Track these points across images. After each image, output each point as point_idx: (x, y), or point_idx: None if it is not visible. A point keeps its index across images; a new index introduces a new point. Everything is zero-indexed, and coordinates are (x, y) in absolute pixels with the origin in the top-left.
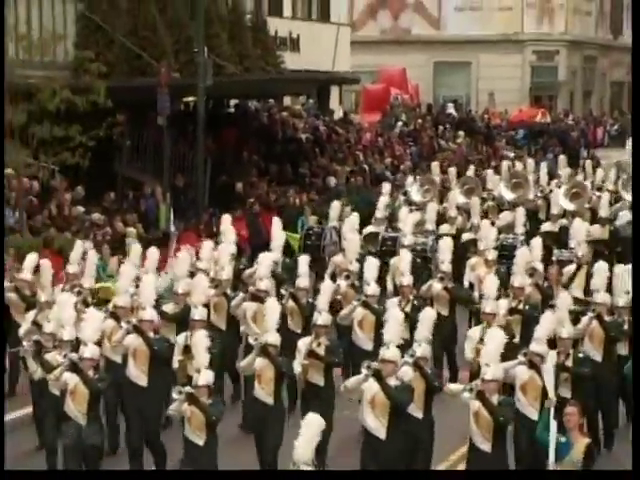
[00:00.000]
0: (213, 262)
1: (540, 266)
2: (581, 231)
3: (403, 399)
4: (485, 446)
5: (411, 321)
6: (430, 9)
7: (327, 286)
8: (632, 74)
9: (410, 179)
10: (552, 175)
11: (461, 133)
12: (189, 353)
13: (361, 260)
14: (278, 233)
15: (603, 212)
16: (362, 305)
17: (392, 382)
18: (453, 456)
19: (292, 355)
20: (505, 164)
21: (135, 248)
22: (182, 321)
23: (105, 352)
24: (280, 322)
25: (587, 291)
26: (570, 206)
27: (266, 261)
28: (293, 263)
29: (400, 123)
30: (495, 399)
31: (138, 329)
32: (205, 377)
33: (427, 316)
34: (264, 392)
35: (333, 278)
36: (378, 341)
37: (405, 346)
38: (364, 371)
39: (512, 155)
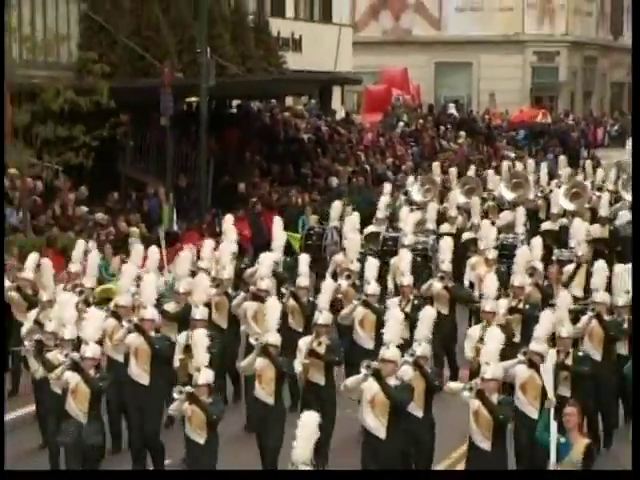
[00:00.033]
0: (214, 261)
1: (540, 265)
2: (581, 230)
3: (403, 398)
4: (485, 445)
5: (411, 321)
6: (431, 10)
7: (328, 285)
8: (632, 75)
9: (411, 179)
10: (552, 175)
11: (462, 133)
12: (190, 352)
13: (362, 260)
14: (279, 233)
15: (603, 212)
16: (362, 304)
17: (392, 382)
18: (453, 455)
19: (293, 354)
20: (505, 164)
21: (137, 248)
22: (183, 320)
23: (107, 351)
24: (281, 321)
25: (587, 290)
26: (570, 206)
27: (267, 261)
28: (294, 262)
29: (402, 123)
30: (495, 398)
31: (139, 328)
32: (205, 376)
33: (427, 315)
34: (265, 392)
35: (334, 277)
36: (379, 340)
37: (405, 345)
38: (363, 371)
39: (513, 155)
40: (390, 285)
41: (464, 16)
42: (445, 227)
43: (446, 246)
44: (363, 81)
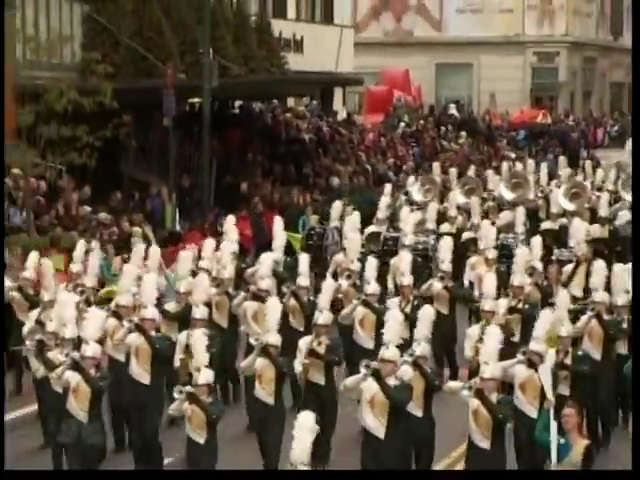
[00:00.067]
0: (215, 261)
1: (540, 265)
2: (580, 230)
3: (402, 398)
4: (484, 444)
5: (411, 321)
6: (432, 11)
7: (328, 285)
8: (632, 75)
9: (411, 179)
10: (552, 175)
11: (463, 134)
12: (191, 351)
13: (362, 259)
14: (279, 233)
15: (603, 212)
16: (362, 304)
17: (391, 381)
18: (453, 454)
19: (294, 354)
20: (505, 164)
21: (138, 248)
22: (184, 320)
23: (108, 351)
24: (282, 321)
25: (586, 290)
26: (570, 206)
27: (267, 260)
28: (294, 262)
29: (403, 124)
30: (494, 397)
31: (140, 328)
32: (205, 376)
33: (426, 315)
34: (265, 392)
35: (335, 277)
36: (379, 340)
37: (405, 345)
38: (363, 370)
39: (513, 155)
40: (390, 285)
41: (465, 17)
42: (445, 227)
43: (446, 246)
44: (364, 82)
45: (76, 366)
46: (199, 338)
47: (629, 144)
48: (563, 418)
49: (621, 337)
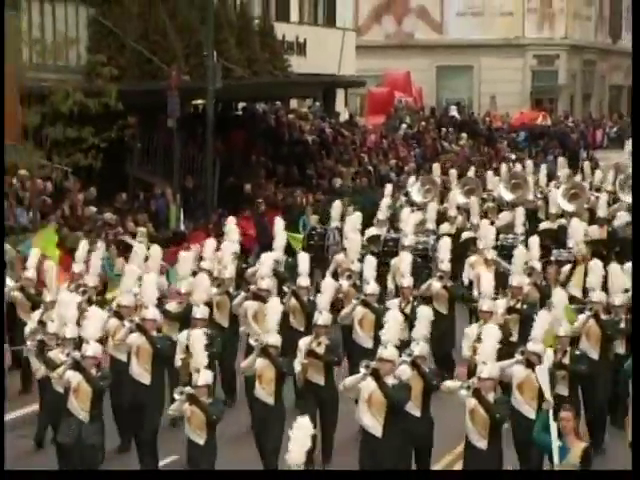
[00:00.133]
0: (216, 261)
1: (538, 265)
2: (579, 231)
3: (400, 397)
4: (481, 444)
5: (410, 321)
6: (433, 14)
7: (328, 285)
8: (632, 77)
9: (412, 180)
10: (551, 176)
11: (464, 135)
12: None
13: (363, 260)
14: (280, 233)
15: (601, 212)
16: (362, 304)
17: (390, 381)
18: (451, 454)
19: (294, 354)
20: (504, 165)
21: (139, 248)
22: (185, 320)
23: (110, 350)
24: (282, 321)
25: (585, 290)
26: (569, 207)
27: (268, 260)
28: (295, 262)
29: (404, 125)
30: (491, 397)
31: (141, 328)
32: (204, 377)
33: (424, 315)
34: (265, 392)
35: (335, 277)
36: (378, 339)
37: (404, 345)
38: (362, 370)
39: (513, 157)
40: (390, 286)
41: (465, 20)
42: (445, 227)
43: (445, 246)
44: (366, 84)
45: (77, 366)
46: (198, 338)
47: (628, 145)
48: (560, 422)
49: (619, 337)
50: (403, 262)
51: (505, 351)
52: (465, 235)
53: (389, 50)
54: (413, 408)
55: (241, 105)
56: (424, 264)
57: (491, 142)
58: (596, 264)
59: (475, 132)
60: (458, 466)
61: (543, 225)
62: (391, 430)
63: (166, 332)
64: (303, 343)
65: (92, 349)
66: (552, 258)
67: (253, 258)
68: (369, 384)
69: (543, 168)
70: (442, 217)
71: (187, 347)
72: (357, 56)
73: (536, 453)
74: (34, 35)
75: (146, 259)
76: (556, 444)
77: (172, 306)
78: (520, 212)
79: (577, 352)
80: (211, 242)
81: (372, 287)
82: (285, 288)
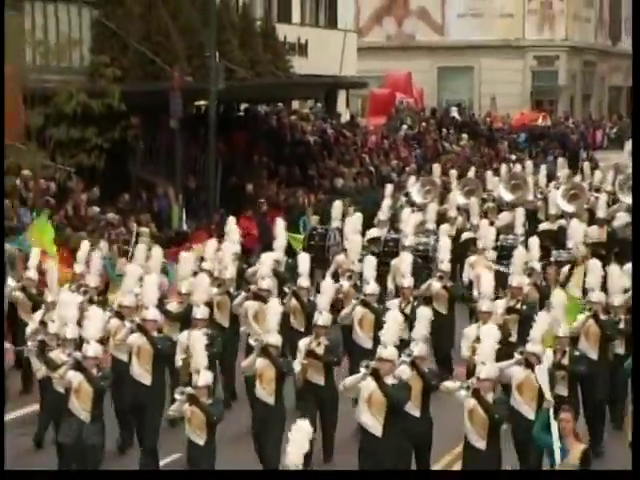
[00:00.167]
0: (217, 262)
1: (538, 266)
2: (579, 231)
3: (400, 397)
4: (480, 444)
5: (410, 322)
6: (433, 16)
7: (328, 286)
8: (633, 78)
9: (412, 180)
10: (551, 177)
11: (464, 136)
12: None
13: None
14: (281, 233)
15: (601, 213)
16: (361, 304)
17: (389, 380)
18: (450, 454)
19: (295, 354)
20: (504, 166)
21: (141, 248)
22: (186, 320)
23: (111, 350)
24: (283, 321)
25: (585, 290)
26: (568, 207)
27: (268, 260)
28: (296, 263)
29: (405, 126)
30: (490, 397)
31: (142, 328)
32: (205, 378)
33: (424, 315)
34: (265, 392)
35: (335, 277)
36: (378, 340)
37: (403, 345)
38: (362, 370)
39: (514, 157)
40: (390, 286)
41: (466, 22)
42: (445, 228)
43: (445, 246)
44: (368, 85)
45: (78, 366)
46: (198, 339)
47: (628, 146)
48: (560, 422)
49: (618, 337)
50: (403, 262)
51: (504, 351)
52: (465, 236)
53: (390, 51)
54: (412, 408)
55: (243, 106)
56: (424, 264)
57: (491, 143)
58: (595, 264)
59: (476, 133)
60: (457, 466)
61: (542, 226)
62: (391, 430)
63: (167, 332)
64: (303, 344)
65: (93, 349)
66: (552, 259)
67: (255, 258)
68: (369, 384)
69: (543, 169)
70: (442, 218)
71: (188, 347)
72: (358, 57)
73: (535, 453)
74: (37, 36)
75: (147, 259)
76: (557, 443)
77: (173, 306)
78: (520, 213)
79: (576, 353)
80: (212, 242)
81: (372, 287)
82: (286, 289)
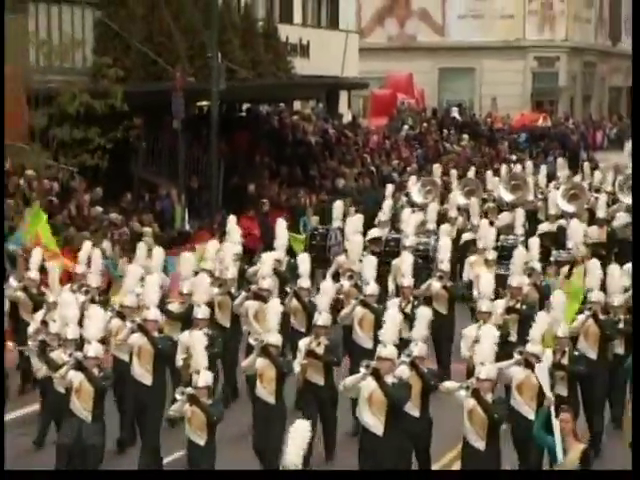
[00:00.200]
0: (218, 262)
1: (538, 266)
2: (579, 232)
3: (400, 396)
4: (479, 444)
5: (410, 322)
6: (434, 17)
7: (328, 286)
8: (633, 79)
9: (413, 180)
10: (551, 177)
11: (465, 136)
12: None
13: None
14: (282, 233)
15: (601, 213)
16: (361, 304)
17: (389, 380)
18: (450, 454)
19: (295, 354)
20: (504, 166)
21: (141, 248)
22: (186, 320)
23: (112, 350)
24: (283, 321)
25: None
26: (568, 207)
27: (269, 260)
28: (297, 263)
29: (406, 127)
30: (489, 397)
31: (143, 328)
32: (205, 378)
33: (423, 315)
34: (266, 392)
35: (335, 278)
36: (378, 340)
37: (403, 345)
38: (363, 370)
39: (514, 158)
40: (391, 286)
41: (466, 23)
42: (445, 228)
43: (445, 246)
44: (369, 86)
45: (79, 366)
46: (198, 339)
47: (628, 146)
48: (559, 423)
49: (617, 337)
50: (404, 262)
51: (504, 351)
52: (465, 236)
53: (391, 52)
54: (412, 408)
55: (245, 106)
56: (425, 265)
57: (492, 143)
58: (594, 264)
59: (476, 133)
60: (456, 466)
61: (542, 227)
62: (392, 429)
63: (168, 332)
64: (303, 343)
65: (94, 349)
66: (551, 259)
67: (257, 258)
68: (369, 383)
69: (543, 169)
70: (443, 218)
71: (188, 347)
72: (360, 58)
73: (535, 453)
74: (41, 37)
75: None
76: (559, 442)
77: (174, 306)
78: (520, 213)
79: (576, 353)
80: (214, 243)
81: (372, 287)
82: (287, 289)
